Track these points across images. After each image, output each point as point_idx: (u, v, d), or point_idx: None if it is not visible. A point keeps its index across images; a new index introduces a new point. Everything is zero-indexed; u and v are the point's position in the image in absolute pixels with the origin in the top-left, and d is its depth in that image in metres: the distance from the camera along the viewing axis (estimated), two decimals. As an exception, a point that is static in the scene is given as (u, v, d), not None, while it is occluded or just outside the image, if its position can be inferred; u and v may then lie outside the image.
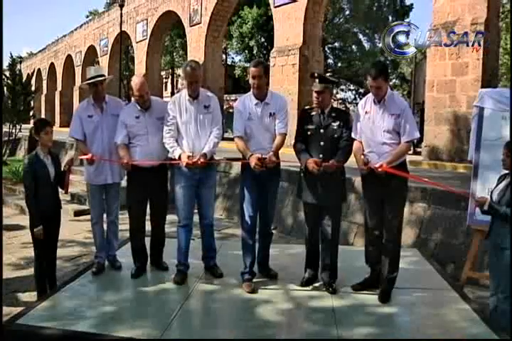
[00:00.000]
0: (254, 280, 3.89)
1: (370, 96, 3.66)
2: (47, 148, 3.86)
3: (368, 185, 3.68)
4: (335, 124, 3.66)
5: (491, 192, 3.33)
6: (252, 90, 3.83)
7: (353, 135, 3.67)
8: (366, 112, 3.62)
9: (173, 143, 3.81)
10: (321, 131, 3.66)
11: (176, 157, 3.75)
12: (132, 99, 4.01)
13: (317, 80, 3.62)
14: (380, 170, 3.37)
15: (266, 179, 3.79)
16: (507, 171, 3.28)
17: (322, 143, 3.64)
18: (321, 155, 3.61)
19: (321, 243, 3.85)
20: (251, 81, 3.75)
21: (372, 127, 3.56)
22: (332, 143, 3.64)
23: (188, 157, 3.67)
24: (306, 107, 3.92)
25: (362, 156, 3.58)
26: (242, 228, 3.94)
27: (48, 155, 3.86)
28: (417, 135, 3.58)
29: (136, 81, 3.88)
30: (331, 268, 3.79)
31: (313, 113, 3.74)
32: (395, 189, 3.53)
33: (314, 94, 3.65)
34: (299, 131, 3.80)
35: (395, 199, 3.58)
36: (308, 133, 3.70)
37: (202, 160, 3.69)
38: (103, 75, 4.14)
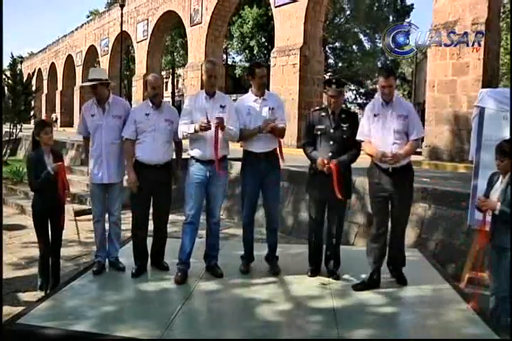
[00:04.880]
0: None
1: (377, 99, 3.86)
2: (48, 147, 4.05)
3: (376, 182, 3.78)
4: (345, 125, 3.88)
5: (487, 193, 3.31)
6: (252, 89, 4.11)
7: (360, 138, 3.83)
8: (375, 115, 3.77)
9: (188, 125, 3.87)
10: (331, 131, 3.87)
11: (193, 131, 3.80)
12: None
13: (334, 86, 3.84)
14: (394, 159, 3.56)
15: (265, 173, 4.00)
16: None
17: (331, 143, 3.86)
18: (329, 154, 3.83)
19: (326, 236, 4.05)
20: (256, 81, 4.01)
21: (383, 128, 3.72)
22: (341, 143, 3.86)
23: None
24: (316, 108, 4.17)
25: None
26: (243, 222, 4.25)
27: (49, 154, 4.03)
28: (424, 133, 3.87)
29: (151, 75, 4.14)
30: (334, 256, 4.03)
31: (323, 113, 3.95)
32: (403, 186, 3.71)
33: (330, 99, 3.88)
34: (308, 131, 4.01)
35: (404, 196, 3.74)
36: (318, 133, 3.91)
37: (219, 121, 3.76)
38: (100, 79, 4.12)
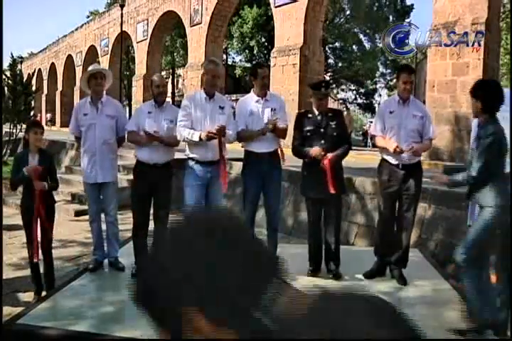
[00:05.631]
0: None
1: (394, 97, 4.02)
2: (36, 147, 3.97)
3: (386, 178, 3.90)
4: (333, 123, 3.94)
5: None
6: (254, 90, 4.10)
7: (373, 132, 4.03)
8: (391, 112, 3.88)
9: (189, 130, 3.82)
10: (322, 130, 3.91)
11: (197, 139, 3.74)
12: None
13: (323, 89, 3.90)
14: (409, 151, 3.68)
15: (267, 173, 4.01)
16: None
17: (323, 142, 3.88)
18: (322, 153, 3.86)
19: (324, 234, 4.09)
20: (258, 82, 4.02)
21: (398, 126, 3.84)
22: (332, 141, 3.90)
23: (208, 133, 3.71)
24: (302, 111, 4.28)
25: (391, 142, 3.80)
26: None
27: (35, 154, 3.94)
28: (436, 135, 4.02)
29: (156, 75, 4.25)
30: (335, 255, 4.07)
31: (310, 115, 4.00)
32: (412, 183, 3.82)
33: (319, 101, 3.93)
34: (297, 133, 4.02)
35: (412, 193, 3.85)
36: (308, 134, 3.93)
37: (219, 130, 3.71)
38: (103, 70, 4.31)
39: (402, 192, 3.82)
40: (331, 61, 30.86)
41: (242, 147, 4.19)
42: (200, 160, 3.90)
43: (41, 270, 4.13)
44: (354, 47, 31.18)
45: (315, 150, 3.77)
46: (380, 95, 37.34)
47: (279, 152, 4.09)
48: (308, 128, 3.93)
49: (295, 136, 4.02)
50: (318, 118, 3.93)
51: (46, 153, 4.12)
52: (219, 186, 3.99)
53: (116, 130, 4.18)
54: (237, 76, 31.03)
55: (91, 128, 4.11)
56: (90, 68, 4.25)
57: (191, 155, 3.95)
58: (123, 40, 23.68)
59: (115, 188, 4.33)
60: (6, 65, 19.11)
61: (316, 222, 4.08)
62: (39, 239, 4.01)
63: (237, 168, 7.80)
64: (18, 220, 6.95)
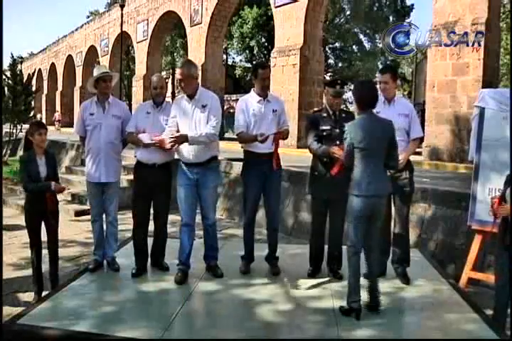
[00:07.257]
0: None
1: (381, 97, 3.96)
2: (41, 149, 4.02)
3: None
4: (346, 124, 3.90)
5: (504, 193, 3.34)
6: (255, 90, 4.08)
7: None
8: (377, 112, 3.82)
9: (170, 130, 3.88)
10: (337, 130, 3.87)
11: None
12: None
13: (338, 87, 3.89)
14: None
15: (268, 174, 4.00)
16: None
17: (338, 143, 3.83)
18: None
19: (329, 235, 4.10)
20: (259, 82, 4.00)
21: None
22: None
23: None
24: (315, 109, 4.22)
25: None
26: (244, 222, 4.24)
27: (42, 156, 4.00)
28: (422, 133, 4.07)
29: (155, 75, 4.23)
30: (338, 256, 4.07)
31: (325, 114, 3.96)
32: (405, 182, 3.88)
33: (333, 99, 3.90)
34: (313, 132, 3.95)
35: (405, 191, 3.91)
36: (324, 133, 3.90)
37: (175, 140, 3.70)
38: (108, 73, 4.27)
39: (398, 190, 3.85)
40: (331, 61, 30.89)
41: (242, 147, 4.18)
42: (185, 162, 3.92)
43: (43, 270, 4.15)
44: (354, 47, 31.22)
45: (336, 149, 3.70)
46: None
47: (275, 156, 4.02)
48: (324, 127, 3.90)
49: (310, 134, 3.95)
50: (333, 118, 3.92)
51: (50, 154, 4.16)
52: (209, 187, 3.98)
53: (122, 131, 4.18)
54: (237, 76, 31.06)
55: (97, 127, 4.11)
56: (96, 72, 4.21)
57: (178, 157, 3.99)
58: (123, 41, 23.70)
59: (117, 188, 4.34)
60: (6, 65, 19.08)
61: (321, 222, 4.08)
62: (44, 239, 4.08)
63: (237, 167, 7.81)
64: (18, 220, 6.96)
